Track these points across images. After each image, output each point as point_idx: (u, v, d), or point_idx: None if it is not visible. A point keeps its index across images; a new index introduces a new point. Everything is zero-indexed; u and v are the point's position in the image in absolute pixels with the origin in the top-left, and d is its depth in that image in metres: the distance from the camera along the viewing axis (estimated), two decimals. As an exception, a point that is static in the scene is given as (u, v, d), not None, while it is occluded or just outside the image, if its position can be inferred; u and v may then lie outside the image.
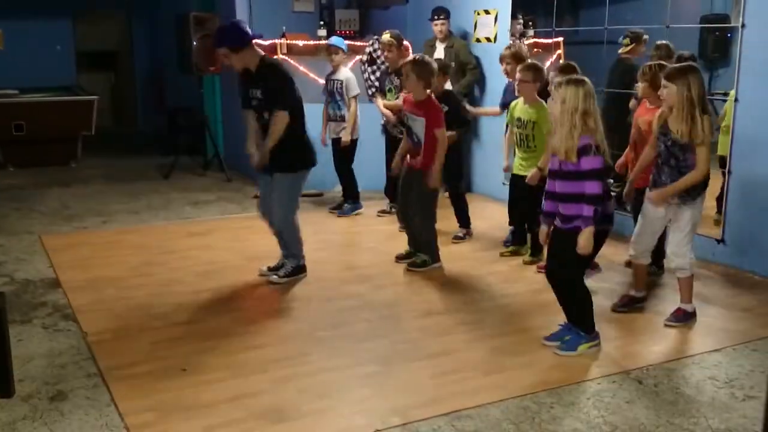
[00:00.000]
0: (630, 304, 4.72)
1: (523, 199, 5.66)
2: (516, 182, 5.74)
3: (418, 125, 5.33)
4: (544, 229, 4.17)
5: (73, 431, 3.25)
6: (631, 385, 3.73)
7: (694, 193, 4.37)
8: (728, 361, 4.03)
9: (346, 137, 6.91)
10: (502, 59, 6.21)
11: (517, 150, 5.71)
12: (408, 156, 5.54)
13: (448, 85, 6.53)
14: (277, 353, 4.06)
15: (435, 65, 5.42)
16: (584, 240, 3.86)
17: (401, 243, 5.81)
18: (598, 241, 3.99)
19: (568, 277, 4.06)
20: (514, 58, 6.01)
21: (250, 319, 4.58)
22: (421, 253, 5.55)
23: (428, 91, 5.36)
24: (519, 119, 5.56)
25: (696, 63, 6.36)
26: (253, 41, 4.98)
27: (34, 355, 4.00)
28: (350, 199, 7.20)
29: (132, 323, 4.46)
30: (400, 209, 5.76)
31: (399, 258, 5.68)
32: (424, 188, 5.38)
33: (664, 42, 6.08)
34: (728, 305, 4.86)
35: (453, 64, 7.17)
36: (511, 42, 7.19)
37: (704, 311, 4.68)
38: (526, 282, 5.32)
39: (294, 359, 3.99)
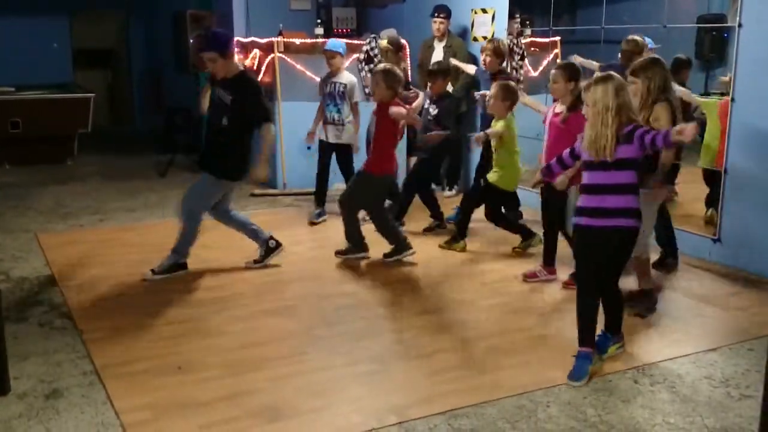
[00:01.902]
0: (629, 300, 4.71)
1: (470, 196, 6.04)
2: (487, 189, 5.90)
3: (373, 126, 5.55)
4: (538, 177, 4.35)
5: (69, 429, 3.25)
6: (627, 384, 3.73)
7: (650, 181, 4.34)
8: (724, 360, 4.03)
9: (357, 142, 6.80)
10: (482, 50, 6.41)
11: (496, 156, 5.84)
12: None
13: (448, 87, 6.59)
14: (273, 352, 4.06)
15: (401, 76, 5.55)
16: (690, 129, 3.52)
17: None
18: (630, 243, 3.84)
19: (616, 280, 3.92)
20: (494, 52, 6.27)
21: (245, 318, 4.58)
22: (391, 244, 5.65)
23: (396, 99, 5.50)
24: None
25: (689, 66, 6.47)
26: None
27: (30, 353, 3.99)
28: None
29: (128, 321, 4.46)
30: (340, 198, 5.76)
31: (338, 253, 5.71)
32: (360, 190, 5.60)
33: (634, 37, 6.07)
34: (724, 304, 4.87)
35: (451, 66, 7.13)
36: (504, 38, 7.23)
37: (700, 310, 4.69)
38: (520, 281, 5.32)
39: (290, 358, 3.99)
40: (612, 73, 3.83)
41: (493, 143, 5.73)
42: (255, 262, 5.49)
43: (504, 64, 6.57)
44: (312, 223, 6.81)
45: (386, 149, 5.53)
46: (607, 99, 3.68)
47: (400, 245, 5.64)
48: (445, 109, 6.33)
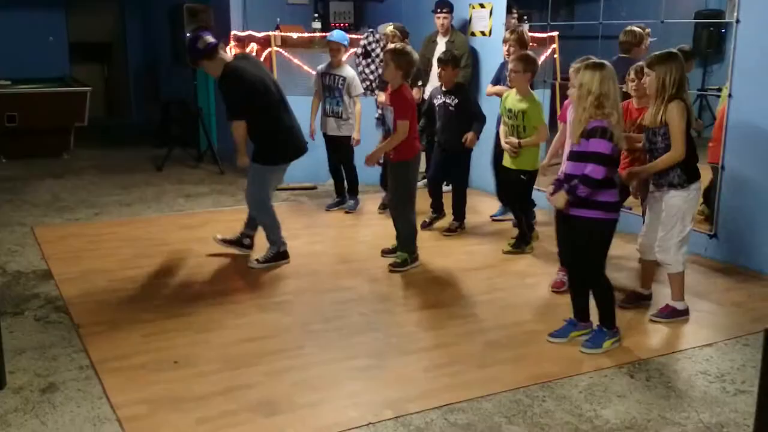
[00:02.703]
0: (634, 301, 4.71)
1: (513, 192, 5.71)
2: (506, 174, 5.77)
3: (390, 115, 5.31)
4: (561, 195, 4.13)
5: (65, 423, 3.24)
6: (623, 380, 3.74)
7: (679, 180, 4.30)
8: (720, 355, 4.04)
9: (357, 135, 6.77)
10: (505, 41, 6.33)
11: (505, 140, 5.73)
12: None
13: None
14: (270, 346, 4.06)
15: (415, 56, 5.38)
16: (556, 198, 3.95)
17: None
18: (608, 232, 3.97)
19: (589, 268, 4.04)
20: (518, 42, 6.15)
21: (242, 312, 4.58)
22: (400, 250, 5.46)
23: (408, 80, 5.38)
24: (510, 110, 5.57)
25: (692, 57, 6.43)
26: (221, 46, 5.17)
27: (26, 347, 3.98)
28: (352, 194, 7.12)
29: (124, 315, 4.45)
30: (387, 202, 5.75)
31: (384, 252, 5.64)
32: (397, 181, 5.40)
33: (632, 27, 6.07)
34: (720, 300, 4.88)
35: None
36: (516, 27, 7.20)
37: (696, 306, 4.69)
38: (519, 276, 5.33)
39: (287, 352, 3.99)
40: (605, 62, 3.89)
41: (515, 123, 5.55)
42: (258, 260, 5.42)
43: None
44: (328, 209, 7.07)
45: (410, 133, 5.30)
46: (592, 85, 3.78)
47: (411, 255, 5.43)
48: (469, 96, 6.25)
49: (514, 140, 5.57)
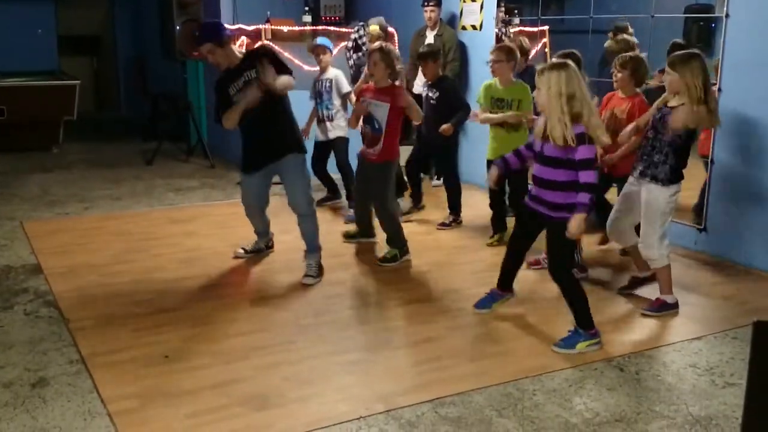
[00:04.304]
0: (636, 286, 4.79)
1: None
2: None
3: (381, 111, 5.26)
4: (493, 173, 4.32)
5: (55, 418, 3.24)
6: (613, 373, 3.76)
7: (665, 177, 4.35)
8: (709, 348, 4.07)
9: (347, 128, 6.62)
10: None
11: (492, 132, 5.73)
12: (364, 146, 5.47)
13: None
14: (261, 340, 4.06)
15: (397, 52, 5.40)
16: (576, 224, 3.82)
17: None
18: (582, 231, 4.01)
19: (561, 269, 4.04)
20: (518, 49, 6.10)
21: (233, 306, 4.57)
22: (391, 247, 5.44)
23: (398, 82, 5.39)
24: (500, 100, 5.58)
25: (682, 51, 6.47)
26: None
27: (16, 342, 3.97)
28: (351, 200, 7.03)
29: (114, 310, 4.44)
30: (358, 202, 5.69)
31: (346, 236, 5.72)
32: (382, 182, 5.38)
33: (625, 37, 6.13)
34: (709, 293, 4.91)
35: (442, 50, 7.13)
36: (503, 35, 7.25)
37: (685, 299, 4.72)
38: (509, 270, 5.34)
39: (278, 346, 3.99)
40: (567, 61, 3.87)
41: (503, 112, 5.60)
42: (312, 276, 5.05)
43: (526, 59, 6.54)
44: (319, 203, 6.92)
45: (395, 135, 5.34)
46: (559, 86, 3.75)
47: (401, 249, 5.41)
48: (451, 88, 6.26)
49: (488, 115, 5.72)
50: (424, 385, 3.58)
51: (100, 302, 4.57)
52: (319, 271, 5.08)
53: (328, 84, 6.68)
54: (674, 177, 4.37)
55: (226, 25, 8.02)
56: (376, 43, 5.57)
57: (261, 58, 4.85)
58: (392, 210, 5.47)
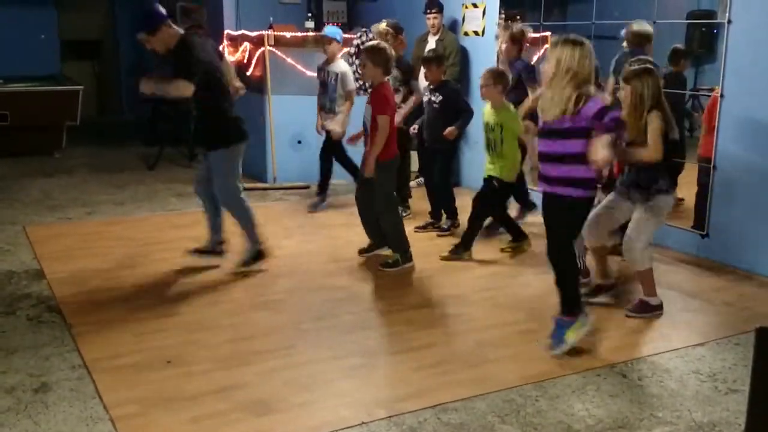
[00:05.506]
0: (598, 293, 4.75)
1: (484, 201, 5.70)
2: (485, 184, 5.74)
3: (368, 112, 5.29)
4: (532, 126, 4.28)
5: (57, 423, 3.23)
6: (616, 379, 3.75)
7: (667, 185, 4.38)
8: (712, 354, 4.06)
9: (337, 127, 6.77)
10: (496, 37, 6.53)
11: (485, 154, 5.75)
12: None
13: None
14: (262, 345, 4.06)
15: (390, 51, 5.33)
16: (599, 145, 3.62)
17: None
18: (586, 211, 3.99)
19: (565, 248, 3.93)
20: (511, 39, 6.24)
21: (234, 312, 4.57)
22: (393, 251, 5.43)
23: (387, 78, 5.35)
24: (486, 123, 5.61)
25: (687, 56, 6.48)
26: (168, 21, 4.87)
27: (18, 347, 3.97)
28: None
29: (117, 315, 4.44)
30: (357, 203, 5.61)
31: (361, 252, 5.62)
32: (380, 182, 5.32)
33: (646, 25, 6.09)
34: (712, 299, 4.90)
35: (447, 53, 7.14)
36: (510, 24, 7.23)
37: (688, 305, 4.72)
38: (511, 275, 5.34)
39: (279, 351, 3.99)
40: (584, 40, 3.81)
41: (492, 136, 5.58)
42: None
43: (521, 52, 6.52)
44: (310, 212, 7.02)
45: (390, 132, 5.28)
46: (573, 62, 3.71)
47: (403, 255, 5.38)
48: (454, 92, 6.26)
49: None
50: (426, 390, 3.57)
51: (103, 307, 4.57)
52: (253, 260, 5.21)
53: (334, 77, 6.80)
54: (673, 182, 4.44)
55: (228, 31, 8.05)
56: (368, 43, 5.59)
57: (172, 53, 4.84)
58: (391, 211, 5.42)
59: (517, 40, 6.25)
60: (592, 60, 3.80)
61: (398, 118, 6.02)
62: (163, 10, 4.91)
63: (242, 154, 5.13)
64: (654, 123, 4.27)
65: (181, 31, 4.97)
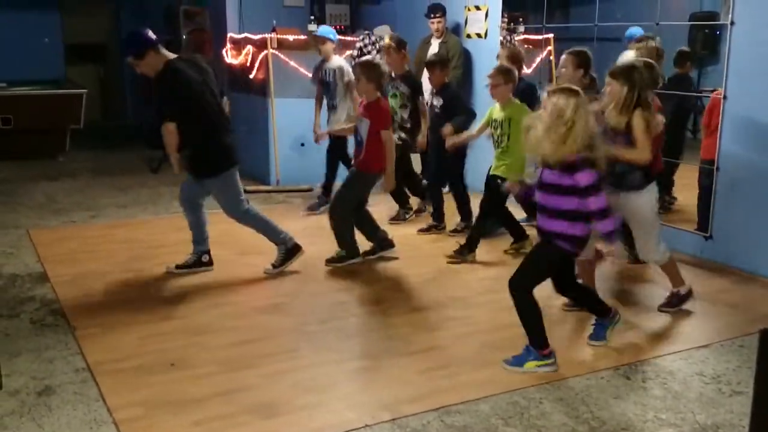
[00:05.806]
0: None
1: (491, 201, 5.66)
2: (488, 182, 5.70)
3: (364, 126, 5.35)
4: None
5: (61, 426, 3.24)
6: (619, 381, 3.75)
7: (640, 182, 4.38)
8: (715, 356, 4.06)
9: (333, 128, 6.77)
10: (498, 57, 6.36)
11: (494, 151, 5.74)
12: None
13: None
14: (267, 348, 4.06)
15: (384, 68, 5.47)
16: (615, 254, 3.96)
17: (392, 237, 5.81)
18: (562, 263, 3.91)
19: (518, 284, 3.89)
20: (510, 59, 6.11)
21: (238, 314, 4.57)
22: (340, 248, 5.52)
23: (378, 94, 5.39)
24: (494, 120, 5.60)
25: (691, 58, 6.48)
26: (156, 46, 4.88)
27: (22, 350, 3.98)
28: None
29: (120, 318, 4.45)
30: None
31: (364, 254, 5.62)
32: (350, 188, 5.47)
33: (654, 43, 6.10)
34: (716, 301, 4.89)
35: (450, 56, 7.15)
36: (506, 41, 7.24)
37: (692, 307, 4.71)
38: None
39: (283, 354, 3.99)
40: (579, 90, 3.75)
41: (499, 132, 5.55)
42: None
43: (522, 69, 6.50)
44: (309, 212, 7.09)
45: (378, 149, 5.35)
46: (567, 110, 3.62)
47: (350, 251, 5.51)
48: (453, 95, 6.27)
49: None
50: (429, 393, 3.57)
51: (106, 310, 4.58)
52: (287, 258, 5.30)
53: (332, 74, 6.84)
54: (649, 179, 4.41)
55: (231, 34, 8.07)
56: (363, 59, 5.66)
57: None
58: (344, 212, 5.50)
59: (516, 60, 6.22)
60: (587, 110, 3.71)
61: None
62: (151, 35, 4.90)
63: (236, 174, 5.20)
64: (638, 122, 4.25)
65: (170, 55, 4.94)
